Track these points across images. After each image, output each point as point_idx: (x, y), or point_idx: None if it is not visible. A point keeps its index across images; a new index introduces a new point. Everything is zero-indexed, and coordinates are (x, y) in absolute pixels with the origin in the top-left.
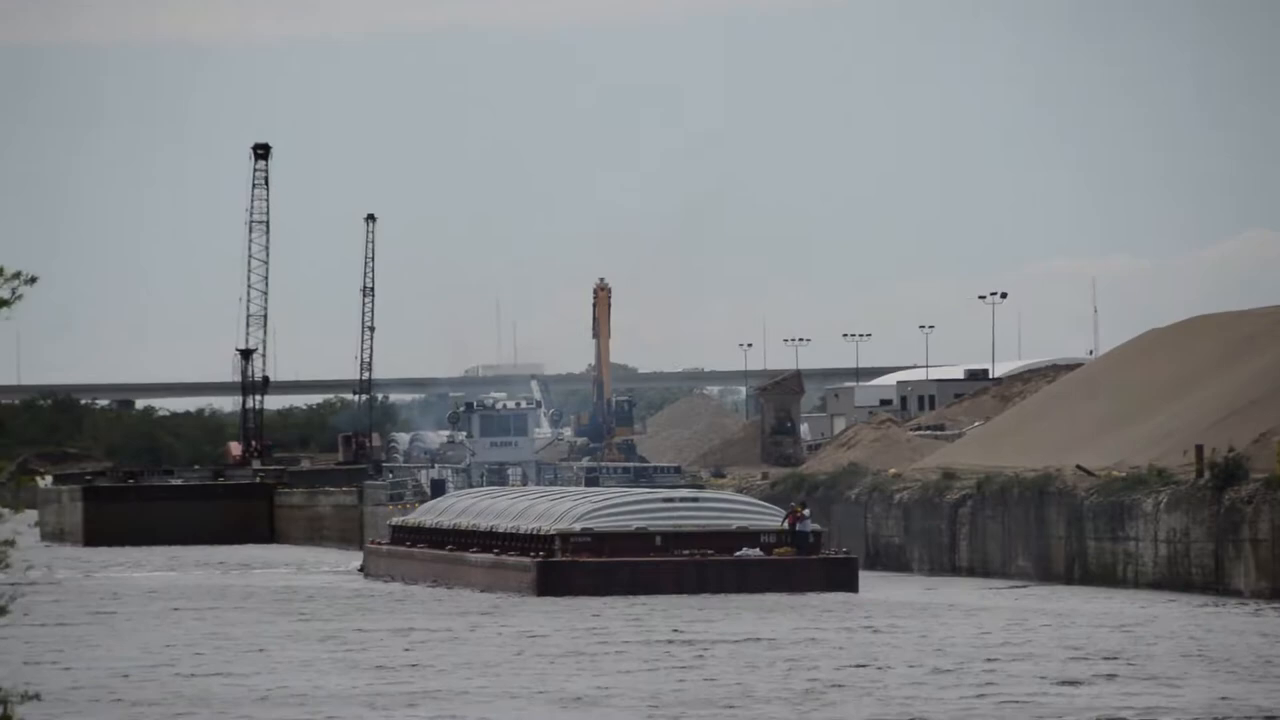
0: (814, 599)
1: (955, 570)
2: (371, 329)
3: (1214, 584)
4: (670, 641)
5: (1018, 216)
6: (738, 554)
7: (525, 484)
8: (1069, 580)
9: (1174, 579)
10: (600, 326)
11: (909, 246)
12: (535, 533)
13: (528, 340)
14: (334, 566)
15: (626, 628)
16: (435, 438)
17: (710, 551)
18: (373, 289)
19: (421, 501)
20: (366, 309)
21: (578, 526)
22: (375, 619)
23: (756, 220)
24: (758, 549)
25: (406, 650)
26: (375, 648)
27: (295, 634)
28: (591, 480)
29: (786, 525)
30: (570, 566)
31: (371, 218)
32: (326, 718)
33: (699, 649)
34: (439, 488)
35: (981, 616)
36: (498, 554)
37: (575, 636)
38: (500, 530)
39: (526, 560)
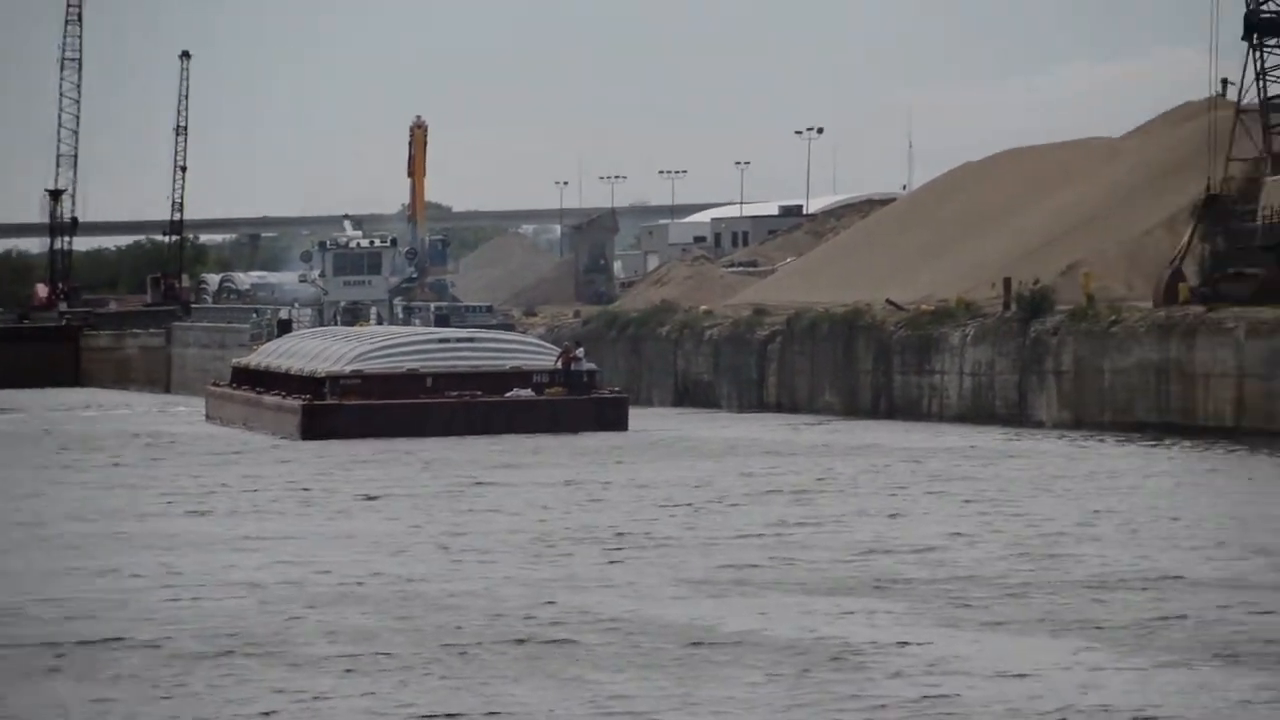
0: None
1: (764, 406)
2: (183, 169)
3: (1017, 416)
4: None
5: (834, 51)
6: (508, 394)
7: (381, 323)
8: (875, 415)
9: (978, 412)
10: (416, 165)
11: (724, 81)
12: (312, 374)
13: (344, 181)
14: (188, 410)
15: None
16: (245, 279)
17: (480, 392)
18: (185, 128)
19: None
20: (179, 148)
21: (347, 368)
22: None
23: (572, 56)
24: (529, 389)
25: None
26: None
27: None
28: (442, 320)
29: (560, 365)
30: (334, 409)
31: (186, 55)
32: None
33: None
34: (285, 328)
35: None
36: (283, 396)
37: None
38: (292, 372)
39: (295, 403)
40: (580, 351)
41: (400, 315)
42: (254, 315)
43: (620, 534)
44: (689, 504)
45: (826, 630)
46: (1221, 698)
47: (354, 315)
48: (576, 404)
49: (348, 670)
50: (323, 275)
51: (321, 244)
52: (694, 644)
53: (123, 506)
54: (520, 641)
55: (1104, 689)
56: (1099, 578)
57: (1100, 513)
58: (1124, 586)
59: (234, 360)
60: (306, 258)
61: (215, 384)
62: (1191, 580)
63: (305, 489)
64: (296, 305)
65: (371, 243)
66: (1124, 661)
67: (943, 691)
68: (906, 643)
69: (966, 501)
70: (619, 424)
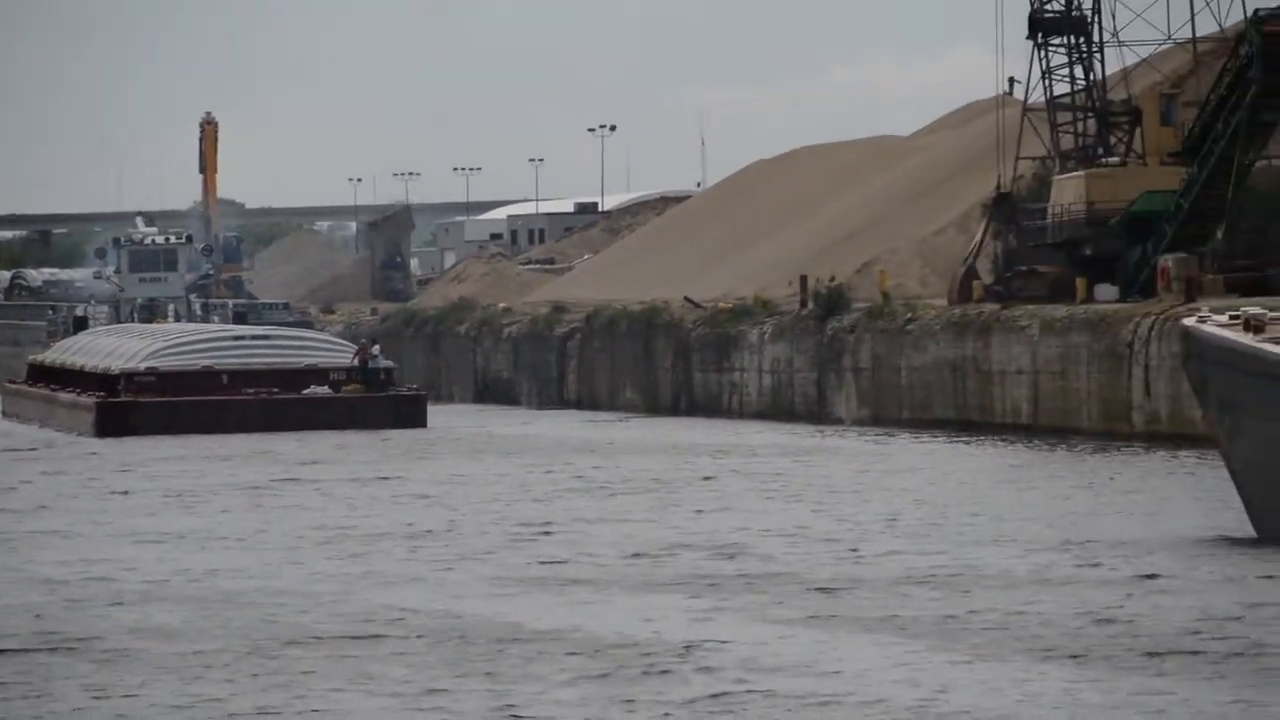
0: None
1: (564, 403)
2: None
3: (816, 413)
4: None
5: (626, 46)
6: (305, 392)
7: (179, 320)
8: (675, 412)
9: (778, 409)
10: (208, 161)
11: (518, 77)
12: (106, 371)
13: (134, 177)
14: None
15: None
16: (38, 275)
17: (276, 390)
18: None
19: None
20: None
21: (142, 365)
22: None
23: (362, 51)
24: (326, 387)
25: None
26: None
27: None
28: (240, 317)
29: (357, 363)
30: (129, 406)
31: None
32: None
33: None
34: (81, 324)
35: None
36: (78, 393)
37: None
38: (86, 369)
39: (89, 400)
40: (376, 349)
41: (199, 312)
42: (50, 312)
43: (427, 531)
44: (493, 500)
45: (636, 626)
46: (1029, 692)
47: (151, 312)
48: (374, 401)
49: (156, 668)
50: (118, 272)
51: (116, 240)
52: (503, 640)
53: None
54: (329, 638)
55: (916, 685)
56: (905, 573)
57: (904, 508)
58: (930, 582)
59: (30, 357)
60: (101, 254)
61: (11, 381)
62: (996, 575)
63: (105, 486)
64: (93, 302)
65: (167, 239)
66: (934, 657)
67: (754, 687)
68: (716, 638)
69: (770, 498)
70: (418, 421)
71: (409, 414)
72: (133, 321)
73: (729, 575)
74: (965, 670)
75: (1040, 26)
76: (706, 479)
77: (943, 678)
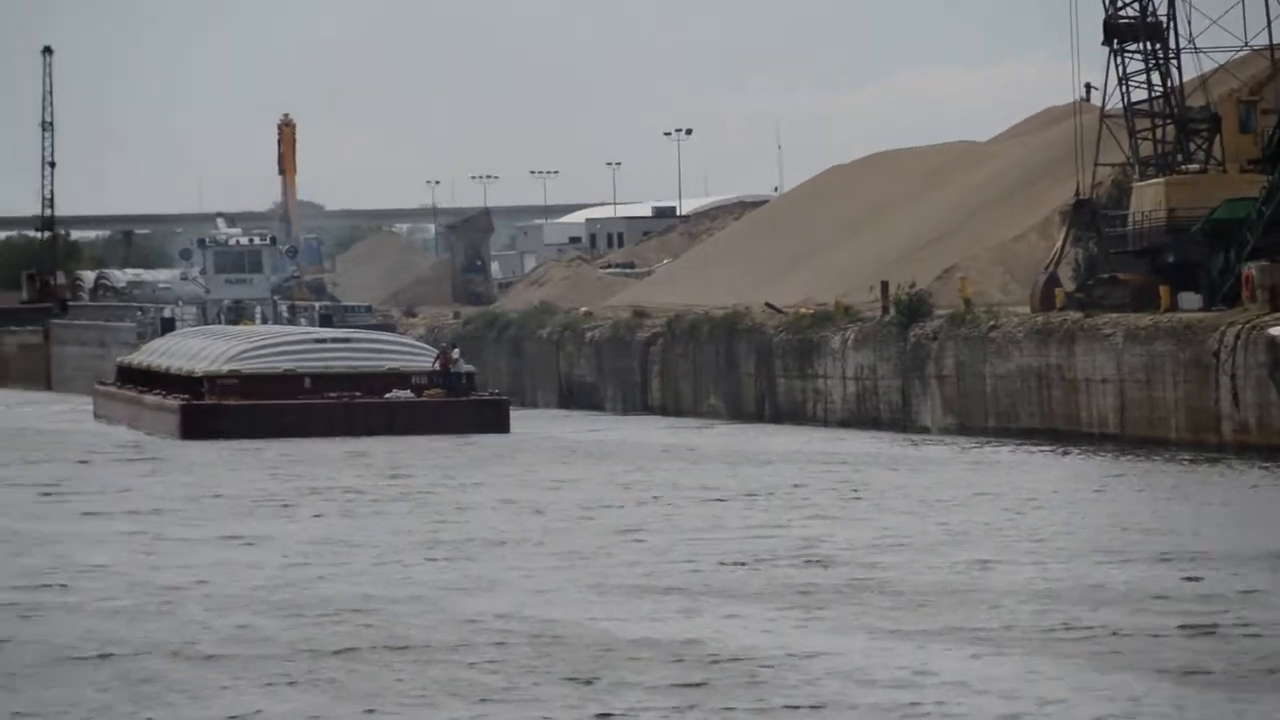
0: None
1: (648, 409)
2: (52, 164)
3: (901, 420)
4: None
5: (701, 51)
6: (387, 396)
7: (265, 322)
8: (759, 419)
9: (862, 416)
10: (286, 163)
11: (593, 81)
12: (189, 374)
13: (215, 178)
14: (72, 408)
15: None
16: (122, 276)
17: (359, 393)
18: (52, 124)
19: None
20: (47, 144)
21: (225, 368)
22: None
23: (439, 53)
24: (408, 391)
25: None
26: None
27: None
28: (325, 319)
29: (438, 367)
30: (214, 409)
31: (49, 50)
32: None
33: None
34: (169, 326)
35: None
36: (164, 396)
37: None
38: (171, 371)
39: (174, 403)
40: (457, 353)
41: (285, 315)
42: (139, 313)
43: (519, 537)
44: (583, 506)
45: (732, 634)
46: (1132, 708)
47: (238, 314)
48: (457, 406)
49: (252, 673)
50: (203, 273)
51: (201, 241)
52: (598, 647)
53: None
54: (422, 645)
55: (1016, 698)
56: (1004, 584)
57: (998, 518)
58: (1028, 593)
59: (119, 359)
60: (186, 255)
61: (102, 383)
62: (1095, 587)
63: (195, 489)
64: (180, 303)
65: (251, 240)
66: (1034, 669)
67: (854, 699)
68: (813, 648)
69: (863, 507)
70: (500, 426)
71: (491, 419)
72: (219, 323)
73: (824, 584)
74: (1065, 684)
75: (1116, 33)
76: (797, 486)
77: (1042, 691)
